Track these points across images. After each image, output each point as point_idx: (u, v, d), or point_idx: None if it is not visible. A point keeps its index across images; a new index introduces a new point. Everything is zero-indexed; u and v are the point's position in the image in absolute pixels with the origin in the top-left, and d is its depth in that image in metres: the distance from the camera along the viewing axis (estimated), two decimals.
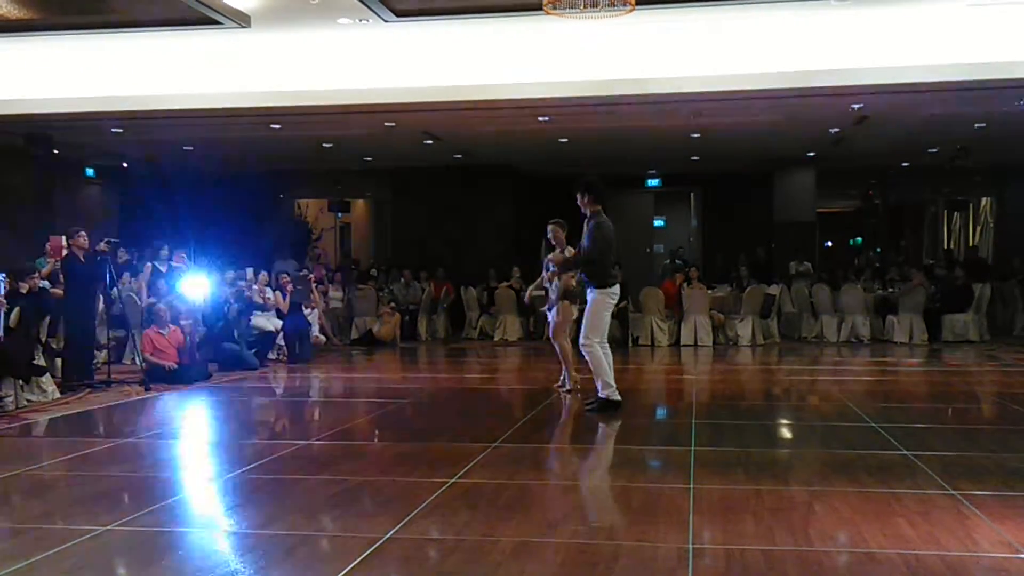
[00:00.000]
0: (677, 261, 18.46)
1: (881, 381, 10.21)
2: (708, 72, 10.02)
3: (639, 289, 14.16)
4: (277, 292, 12.32)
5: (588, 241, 7.59)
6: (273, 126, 13.39)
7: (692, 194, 20.88)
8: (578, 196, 7.67)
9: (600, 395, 7.59)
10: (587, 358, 7.60)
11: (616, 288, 7.63)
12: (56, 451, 6.55)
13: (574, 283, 8.45)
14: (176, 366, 9.84)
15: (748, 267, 16.02)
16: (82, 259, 9.49)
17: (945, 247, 21.49)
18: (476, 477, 5.25)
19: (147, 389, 9.09)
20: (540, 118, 12.76)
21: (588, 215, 7.66)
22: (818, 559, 3.80)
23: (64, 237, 9.78)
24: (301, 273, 13.59)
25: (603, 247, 7.52)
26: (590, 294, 7.63)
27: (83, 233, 9.60)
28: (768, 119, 13.11)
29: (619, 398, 7.57)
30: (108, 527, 4.31)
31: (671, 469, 5.58)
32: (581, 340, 7.63)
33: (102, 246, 9.56)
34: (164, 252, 12.12)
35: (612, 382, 7.56)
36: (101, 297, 10.71)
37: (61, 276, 9.86)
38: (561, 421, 7.62)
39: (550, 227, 8.69)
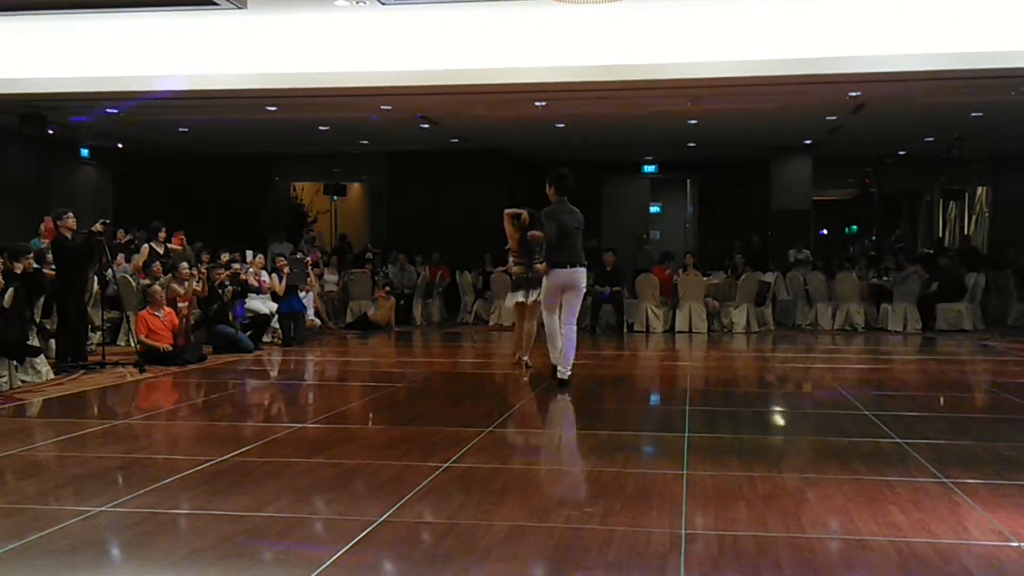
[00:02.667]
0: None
1: (875, 369, 10.24)
2: (705, 59, 9.99)
3: (635, 275, 14.19)
4: (273, 275, 12.31)
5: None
6: (269, 108, 13.34)
7: (688, 181, 20.87)
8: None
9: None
10: None
11: (557, 271, 8.22)
12: (50, 432, 6.56)
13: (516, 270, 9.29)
14: (171, 348, 9.84)
15: (743, 254, 16.04)
16: (70, 239, 9.46)
17: (939, 236, 21.53)
18: (470, 461, 5.27)
19: (141, 371, 9.09)
20: (537, 103, 12.73)
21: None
22: (810, 546, 3.82)
23: (52, 219, 9.73)
24: (298, 256, 13.56)
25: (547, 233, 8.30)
26: None
27: (70, 214, 9.55)
28: (765, 106, 13.10)
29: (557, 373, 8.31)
30: (102, 508, 4.32)
31: (665, 455, 5.60)
32: None
33: (97, 227, 9.52)
34: (162, 234, 12.04)
35: (555, 359, 8.39)
36: (96, 278, 10.69)
37: (49, 257, 9.83)
38: (555, 406, 7.63)
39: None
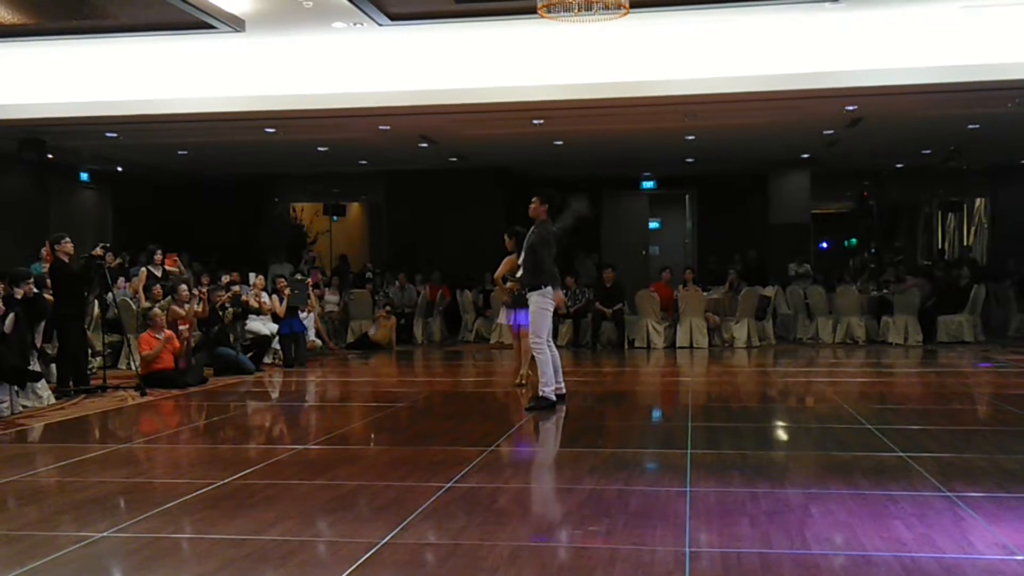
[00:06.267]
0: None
1: (876, 382, 10.23)
2: (703, 75, 10.05)
3: (635, 292, 14.18)
4: (274, 296, 12.30)
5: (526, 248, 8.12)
6: (267, 130, 13.38)
7: (687, 196, 20.90)
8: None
9: (538, 392, 7.99)
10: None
11: (549, 289, 7.97)
12: (51, 457, 6.55)
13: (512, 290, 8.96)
14: (172, 371, 9.82)
15: (737, 270, 15.96)
16: (68, 264, 9.46)
17: (939, 248, 21.54)
18: (472, 481, 5.25)
19: (142, 394, 9.08)
20: (535, 121, 12.77)
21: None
22: (815, 562, 3.81)
23: (50, 243, 9.74)
24: (298, 277, 13.57)
25: (529, 253, 7.99)
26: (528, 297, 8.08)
27: (67, 239, 9.54)
28: (763, 121, 13.14)
29: (553, 398, 7.95)
30: (103, 534, 4.31)
31: (667, 472, 5.58)
32: (530, 340, 8.11)
33: (97, 251, 9.53)
34: (158, 256, 12.04)
35: (550, 382, 7.95)
36: (96, 302, 10.69)
37: (48, 282, 9.83)
38: (557, 424, 7.62)
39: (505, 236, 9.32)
